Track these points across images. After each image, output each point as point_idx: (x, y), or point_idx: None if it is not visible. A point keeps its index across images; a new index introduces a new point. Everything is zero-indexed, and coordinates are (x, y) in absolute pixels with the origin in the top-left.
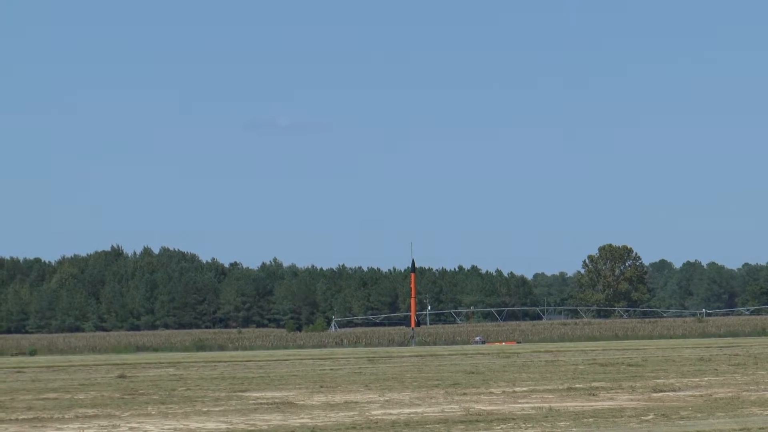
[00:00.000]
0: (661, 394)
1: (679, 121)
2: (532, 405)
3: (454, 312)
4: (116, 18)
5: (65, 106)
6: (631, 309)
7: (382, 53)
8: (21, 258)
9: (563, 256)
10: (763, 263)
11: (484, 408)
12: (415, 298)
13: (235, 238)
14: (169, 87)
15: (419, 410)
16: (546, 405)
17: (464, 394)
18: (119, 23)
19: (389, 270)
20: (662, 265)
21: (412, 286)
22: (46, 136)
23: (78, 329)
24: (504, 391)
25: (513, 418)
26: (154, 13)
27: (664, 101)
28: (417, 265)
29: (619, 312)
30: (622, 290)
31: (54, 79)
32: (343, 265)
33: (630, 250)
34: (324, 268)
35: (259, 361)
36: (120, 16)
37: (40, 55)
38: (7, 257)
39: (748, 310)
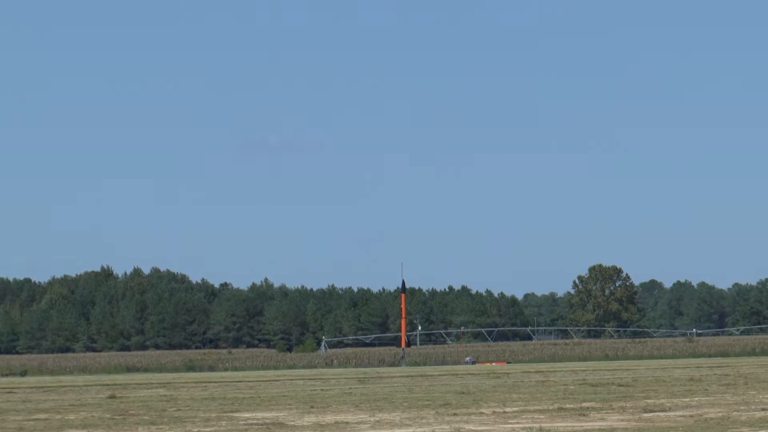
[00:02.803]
0: (651, 415)
1: (668, 142)
2: (522, 425)
3: (444, 332)
4: (107, 35)
5: (57, 125)
6: (622, 329)
7: (376, 74)
8: (11, 278)
9: (553, 277)
10: (754, 283)
11: (474, 428)
12: (405, 318)
13: (226, 259)
14: (159, 106)
15: (409, 430)
16: (536, 425)
17: (455, 414)
18: (111, 41)
19: (379, 290)
20: (652, 285)
21: (403, 306)
22: (36, 156)
23: (68, 350)
24: (494, 412)
25: None
26: (139, 29)
27: (653, 122)
28: (407, 286)
29: (609, 332)
30: (612, 310)
31: (46, 98)
32: (333, 286)
33: (620, 270)
34: (314, 289)
35: (249, 381)
36: (106, 33)
37: (22, 72)
38: None
39: (739, 330)
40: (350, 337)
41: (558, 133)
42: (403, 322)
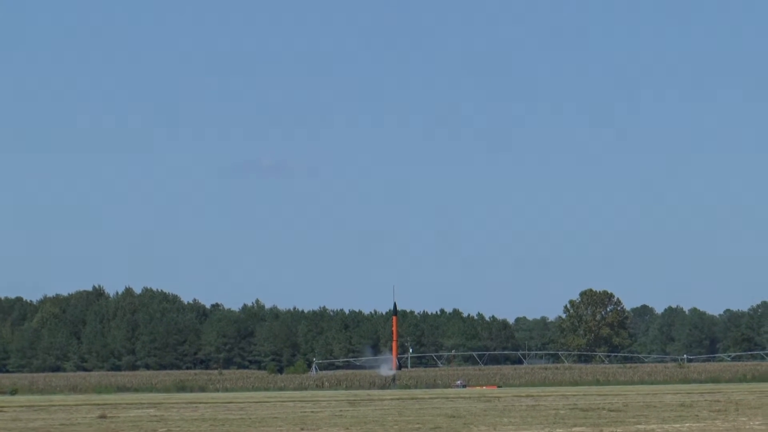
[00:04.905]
0: None
1: (661, 167)
2: None
3: (435, 355)
4: (102, 52)
5: (47, 144)
6: (613, 354)
7: (368, 99)
8: (3, 297)
9: (545, 301)
10: (745, 309)
11: None
12: (396, 341)
13: (217, 279)
14: (151, 126)
15: None
16: None
17: None
18: (106, 56)
19: (371, 312)
20: (644, 311)
21: (394, 329)
22: (28, 174)
23: (59, 369)
24: None
25: None
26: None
27: (645, 148)
28: (399, 308)
29: (600, 357)
30: (603, 335)
31: (38, 114)
32: (324, 308)
33: (611, 295)
34: (305, 310)
35: (239, 402)
36: (97, 51)
37: (18, 93)
38: None
39: (730, 356)
40: (341, 359)
41: (550, 160)
42: (394, 344)
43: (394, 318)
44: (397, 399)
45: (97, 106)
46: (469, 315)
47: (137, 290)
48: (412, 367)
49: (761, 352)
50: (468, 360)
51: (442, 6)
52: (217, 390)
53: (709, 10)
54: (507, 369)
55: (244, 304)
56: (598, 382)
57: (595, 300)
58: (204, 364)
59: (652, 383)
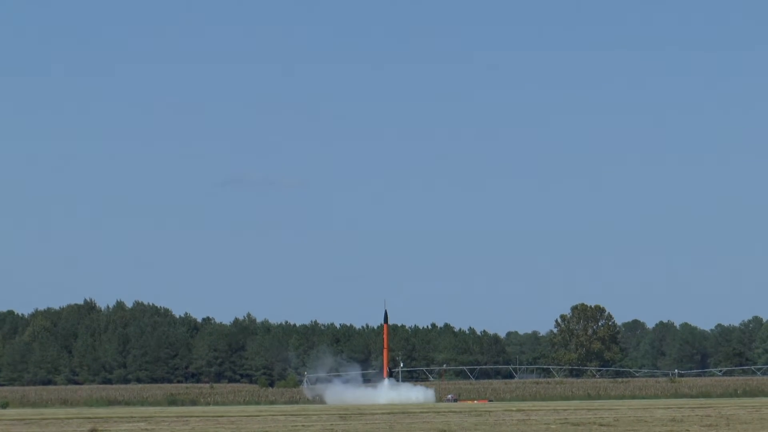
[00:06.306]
0: None
1: (647, 183)
2: None
3: (426, 369)
4: (97, 68)
5: (39, 157)
6: (604, 369)
7: (356, 109)
8: None
9: (536, 315)
10: (736, 324)
11: None
12: (387, 348)
13: (209, 293)
14: (143, 141)
15: None
16: None
17: None
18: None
19: (362, 327)
20: (635, 325)
21: (385, 336)
22: (19, 187)
23: (50, 382)
24: None
25: None
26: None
27: (633, 161)
28: (390, 323)
29: (591, 371)
30: (594, 350)
31: (32, 130)
32: (315, 321)
33: (603, 310)
34: (297, 324)
35: (231, 416)
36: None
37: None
38: None
39: (721, 371)
40: (332, 373)
41: (541, 174)
42: (385, 352)
43: (384, 326)
44: (388, 413)
45: (78, 120)
46: (460, 329)
47: (129, 304)
48: (402, 381)
49: (752, 367)
50: (459, 374)
51: (438, 21)
52: (208, 404)
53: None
54: (498, 383)
55: (236, 318)
56: (589, 397)
57: (586, 314)
58: (195, 377)
59: (643, 398)
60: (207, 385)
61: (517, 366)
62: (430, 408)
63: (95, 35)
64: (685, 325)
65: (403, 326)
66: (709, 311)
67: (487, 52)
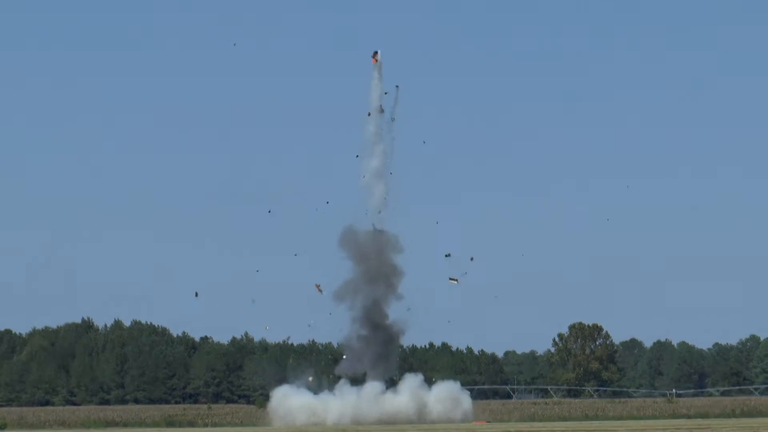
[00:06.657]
0: None
1: (648, 199)
2: None
3: None
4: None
5: (35, 175)
6: (602, 389)
7: (348, 121)
8: None
9: (534, 334)
10: (734, 343)
11: None
12: None
13: (206, 312)
14: (139, 155)
15: None
16: None
17: None
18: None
19: None
20: (632, 344)
21: None
22: (17, 206)
23: (48, 403)
24: None
25: None
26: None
27: (630, 175)
28: None
29: (589, 392)
30: (592, 369)
31: (28, 144)
32: (313, 341)
33: (600, 329)
34: (295, 344)
35: None
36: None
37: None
38: None
39: (719, 390)
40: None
41: (537, 191)
42: None
43: None
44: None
45: (73, 133)
46: (458, 349)
47: (126, 323)
48: None
49: (750, 387)
50: None
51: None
52: (206, 425)
53: None
54: (496, 404)
55: (233, 337)
56: (587, 417)
57: (584, 333)
58: (193, 398)
59: (641, 418)
60: (205, 406)
61: (515, 386)
62: (429, 428)
63: (94, 39)
64: (682, 344)
65: (400, 345)
66: (706, 330)
67: None
